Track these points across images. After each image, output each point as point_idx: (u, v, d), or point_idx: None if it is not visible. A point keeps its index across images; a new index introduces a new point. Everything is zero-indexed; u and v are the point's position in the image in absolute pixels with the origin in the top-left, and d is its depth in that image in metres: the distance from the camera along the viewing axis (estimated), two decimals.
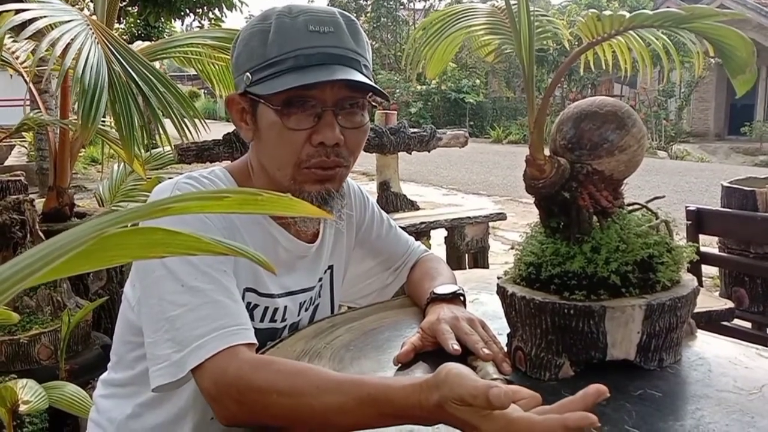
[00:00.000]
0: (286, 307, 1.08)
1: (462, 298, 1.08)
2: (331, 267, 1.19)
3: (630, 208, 0.93)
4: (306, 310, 1.14)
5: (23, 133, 7.03)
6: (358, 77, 0.94)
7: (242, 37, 1.00)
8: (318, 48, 0.94)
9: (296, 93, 0.94)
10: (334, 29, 0.95)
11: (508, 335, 0.94)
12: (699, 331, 1.02)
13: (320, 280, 1.16)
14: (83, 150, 8.23)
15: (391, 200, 3.46)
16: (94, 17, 2.16)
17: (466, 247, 3.29)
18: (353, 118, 0.99)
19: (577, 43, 0.88)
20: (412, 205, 3.53)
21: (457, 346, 0.91)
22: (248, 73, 0.97)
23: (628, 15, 0.76)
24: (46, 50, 1.79)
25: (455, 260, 3.27)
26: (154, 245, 0.34)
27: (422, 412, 0.69)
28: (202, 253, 0.35)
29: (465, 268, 3.24)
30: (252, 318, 1.03)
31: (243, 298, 1.00)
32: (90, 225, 0.33)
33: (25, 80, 2.47)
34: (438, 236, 3.43)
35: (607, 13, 0.77)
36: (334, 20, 0.96)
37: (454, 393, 0.66)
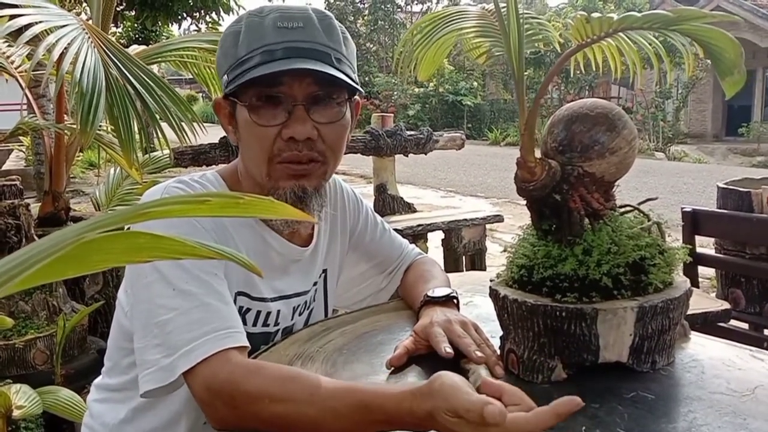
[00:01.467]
0: (279, 311, 1.08)
1: (455, 300, 1.08)
2: (325, 271, 1.19)
3: (622, 210, 0.93)
4: (300, 314, 1.14)
5: (21, 138, 7.04)
6: (325, 68, 0.93)
7: (220, 40, 1.01)
8: (283, 43, 0.93)
9: (265, 90, 0.95)
10: (304, 24, 0.95)
11: (500, 338, 0.94)
12: (693, 332, 1.02)
13: (315, 284, 1.16)
14: (81, 154, 8.22)
15: (388, 203, 3.46)
16: (90, 22, 2.16)
17: (464, 249, 3.29)
18: (328, 112, 0.98)
19: (570, 45, 0.88)
20: (409, 208, 3.53)
21: (449, 350, 0.90)
22: (226, 75, 0.98)
23: (616, 17, 0.76)
24: (43, 55, 1.79)
25: (452, 263, 3.27)
26: (138, 250, 0.33)
27: (413, 420, 0.69)
28: (187, 256, 0.35)
29: (462, 271, 3.24)
30: (244, 322, 1.02)
31: (235, 302, 1.00)
32: (70, 230, 0.33)
33: (21, 85, 2.47)
34: (435, 238, 3.43)
35: (596, 15, 0.77)
36: (305, 16, 0.96)
37: (447, 404, 0.66)
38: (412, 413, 0.69)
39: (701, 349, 0.96)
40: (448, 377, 0.69)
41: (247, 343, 0.89)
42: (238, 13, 9.77)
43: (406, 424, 0.71)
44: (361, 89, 1.02)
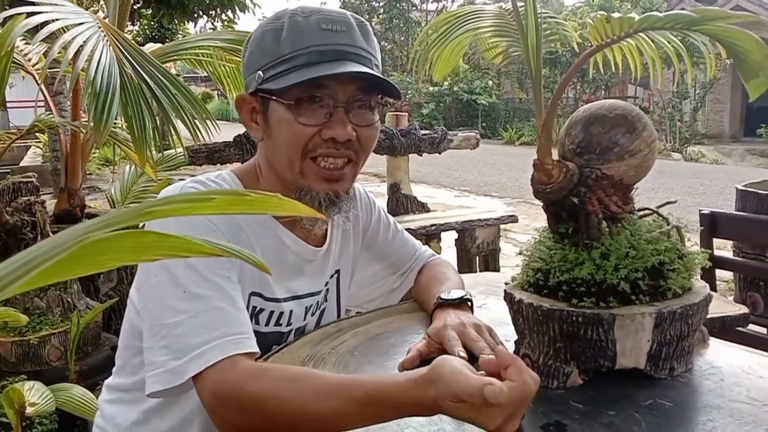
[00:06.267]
0: (291, 311, 1.07)
1: (469, 303, 1.07)
2: (338, 271, 1.18)
3: (640, 213, 0.91)
4: (312, 314, 1.13)
5: (38, 135, 7.10)
6: (373, 73, 0.95)
7: (254, 36, 1.01)
8: (331, 45, 0.95)
9: (308, 89, 0.95)
10: (346, 29, 0.96)
11: (515, 342, 0.93)
12: (712, 338, 1.00)
13: (327, 284, 1.15)
14: (97, 151, 8.29)
15: (402, 202, 3.45)
16: (106, 20, 2.17)
17: (477, 249, 3.27)
18: (365, 116, 1.00)
19: (588, 45, 0.87)
20: (423, 207, 3.51)
21: (463, 353, 0.89)
22: (260, 71, 0.97)
23: (637, 17, 0.74)
24: (59, 53, 1.79)
25: (466, 263, 3.26)
26: (145, 248, 0.33)
27: (420, 407, 0.71)
28: (195, 254, 0.34)
29: (476, 271, 3.22)
30: (257, 322, 1.02)
31: (248, 303, 0.99)
32: (76, 229, 0.32)
33: (37, 82, 2.49)
34: (449, 238, 3.41)
35: (617, 15, 0.75)
36: (346, 20, 0.97)
37: (449, 391, 0.68)
38: (418, 402, 0.70)
39: (720, 356, 0.94)
40: (448, 363, 0.70)
41: (256, 349, 0.88)
42: (253, 12, 9.80)
43: (413, 412, 0.72)
44: (400, 94, 1.03)
